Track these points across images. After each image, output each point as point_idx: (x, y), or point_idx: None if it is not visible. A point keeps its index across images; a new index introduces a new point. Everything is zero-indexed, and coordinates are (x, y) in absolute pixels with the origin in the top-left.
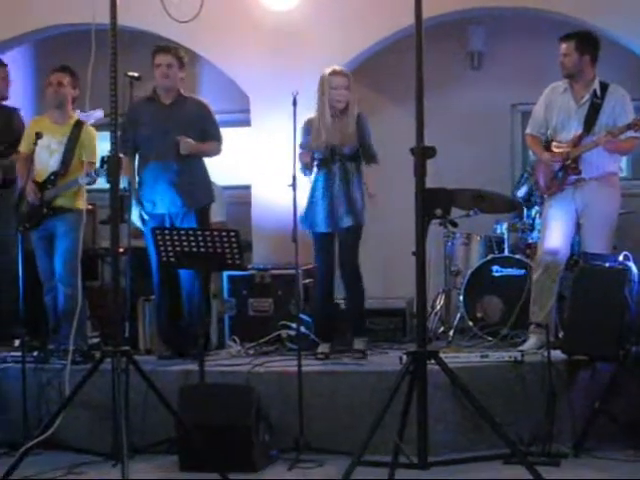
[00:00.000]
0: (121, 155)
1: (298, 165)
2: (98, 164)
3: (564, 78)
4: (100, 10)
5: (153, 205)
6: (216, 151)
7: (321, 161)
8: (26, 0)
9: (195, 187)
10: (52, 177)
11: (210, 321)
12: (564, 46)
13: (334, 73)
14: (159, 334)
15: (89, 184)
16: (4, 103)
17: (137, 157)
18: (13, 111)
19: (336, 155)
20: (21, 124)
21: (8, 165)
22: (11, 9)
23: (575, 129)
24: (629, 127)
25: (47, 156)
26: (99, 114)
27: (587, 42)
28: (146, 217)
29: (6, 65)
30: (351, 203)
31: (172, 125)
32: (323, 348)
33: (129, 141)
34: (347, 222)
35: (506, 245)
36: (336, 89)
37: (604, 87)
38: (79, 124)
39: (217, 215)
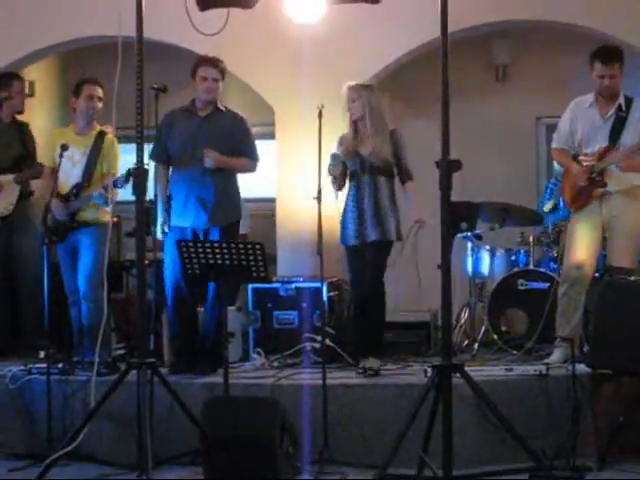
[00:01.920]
0: (152, 164)
1: (329, 178)
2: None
3: (605, 98)
4: (126, 22)
5: (179, 218)
6: (248, 168)
7: (352, 173)
8: (53, 12)
9: (222, 203)
10: (74, 190)
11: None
12: (612, 68)
13: (347, 87)
14: (171, 347)
15: (105, 202)
16: (18, 118)
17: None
18: (26, 125)
19: (365, 167)
20: (32, 139)
21: (25, 178)
22: (38, 21)
23: (600, 143)
24: None
25: (70, 167)
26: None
27: (624, 59)
28: (166, 230)
29: (23, 79)
30: (379, 217)
31: (203, 138)
32: (373, 363)
33: (162, 151)
34: (373, 236)
35: (531, 258)
36: (350, 102)
37: (628, 100)
38: (101, 134)
39: (241, 228)
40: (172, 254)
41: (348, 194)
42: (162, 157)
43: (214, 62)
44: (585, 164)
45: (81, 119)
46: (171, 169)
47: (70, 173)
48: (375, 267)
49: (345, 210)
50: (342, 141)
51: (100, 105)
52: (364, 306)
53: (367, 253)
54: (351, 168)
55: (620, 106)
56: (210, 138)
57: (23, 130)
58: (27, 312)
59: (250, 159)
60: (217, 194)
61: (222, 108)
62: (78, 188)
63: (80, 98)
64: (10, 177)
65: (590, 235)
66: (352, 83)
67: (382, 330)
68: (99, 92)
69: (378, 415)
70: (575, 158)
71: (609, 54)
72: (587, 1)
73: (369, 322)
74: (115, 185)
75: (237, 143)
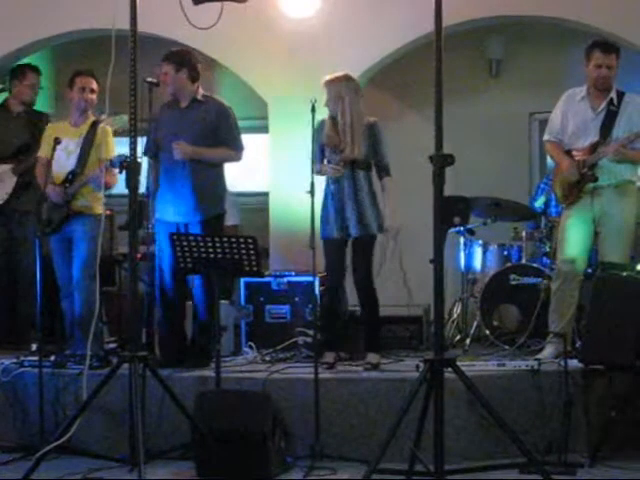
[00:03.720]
0: (145, 158)
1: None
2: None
3: (598, 91)
4: (120, 16)
5: (162, 211)
6: (230, 158)
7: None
8: (46, 5)
9: (202, 196)
10: (70, 176)
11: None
12: (611, 59)
13: (323, 83)
14: (159, 340)
15: (99, 185)
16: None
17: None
18: (40, 115)
19: (343, 161)
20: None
21: (21, 169)
22: (31, 14)
23: (592, 137)
24: (638, 135)
25: (65, 157)
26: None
27: (620, 54)
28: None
29: (38, 72)
30: (360, 212)
31: (183, 129)
32: (328, 357)
33: (151, 144)
34: (355, 232)
35: (523, 253)
36: (326, 98)
37: (620, 95)
38: (95, 124)
39: (230, 219)
40: (160, 247)
41: (327, 188)
42: (150, 151)
43: (164, 57)
44: (576, 158)
45: (75, 110)
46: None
47: (65, 163)
48: (363, 263)
49: (325, 205)
50: (323, 126)
51: (93, 97)
52: (338, 297)
53: (353, 250)
54: (331, 160)
55: (612, 100)
56: (189, 129)
57: (35, 120)
58: (24, 304)
59: (232, 148)
60: (196, 187)
61: (200, 98)
62: (73, 175)
63: (73, 90)
64: (7, 167)
65: (582, 230)
66: (326, 78)
67: (379, 325)
68: (92, 84)
69: (370, 409)
70: (568, 153)
71: (609, 44)
72: None
73: (365, 318)
74: (112, 164)
75: (218, 132)
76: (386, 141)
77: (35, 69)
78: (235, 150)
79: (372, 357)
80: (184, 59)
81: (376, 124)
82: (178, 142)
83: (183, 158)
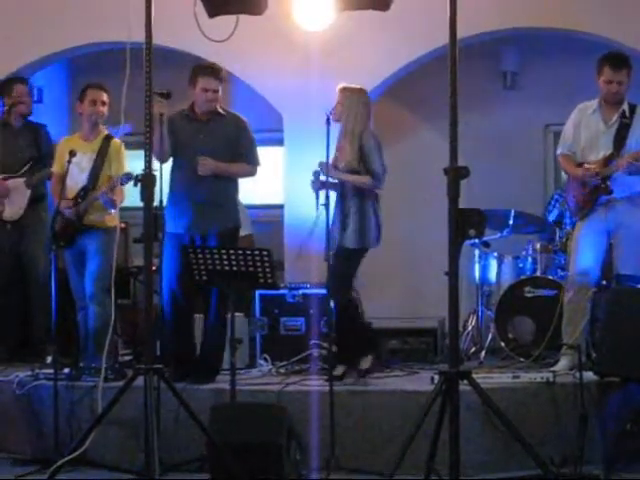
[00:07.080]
0: (159, 170)
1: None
2: (132, 183)
3: (610, 105)
4: (135, 29)
5: (176, 224)
6: (247, 173)
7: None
8: (61, 18)
9: (220, 209)
10: (82, 192)
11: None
12: (621, 74)
13: (337, 89)
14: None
15: (109, 202)
16: (30, 119)
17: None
18: (39, 127)
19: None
20: (48, 140)
21: (35, 181)
22: (46, 27)
23: (604, 150)
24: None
25: (78, 172)
26: (127, 129)
27: (631, 66)
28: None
29: (25, 82)
30: (343, 224)
31: (205, 143)
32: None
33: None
34: (335, 244)
35: (538, 266)
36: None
37: (632, 108)
38: (108, 139)
39: (242, 229)
40: (169, 260)
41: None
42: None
43: (215, 73)
44: (590, 172)
45: (86, 124)
46: (170, 174)
47: (78, 178)
48: (336, 275)
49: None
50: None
51: (104, 110)
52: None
53: (333, 259)
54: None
55: (624, 112)
56: (210, 143)
57: (37, 133)
58: (39, 317)
59: (249, 164)
60: (214, 199)
61: (222, 112)
62: (85, 191)
63: (84, 103)
64: (20, 181)
65: (595, 242)
66: (341, 85)
67: (364, 332)
68: (103, 97)
69: (385, 422)
70: (581, 165)
71: (618, 60)
72: (596, 9)
73: (345, 331)
74: (121, 183)
75: (237, 147)
76: (375, 150)
77: (21, 80)
78: (253, 165)
79: (364, 362)
80: (225, 76)
81: (364, 132)
82: (204, 158)
83: (207, 174)
